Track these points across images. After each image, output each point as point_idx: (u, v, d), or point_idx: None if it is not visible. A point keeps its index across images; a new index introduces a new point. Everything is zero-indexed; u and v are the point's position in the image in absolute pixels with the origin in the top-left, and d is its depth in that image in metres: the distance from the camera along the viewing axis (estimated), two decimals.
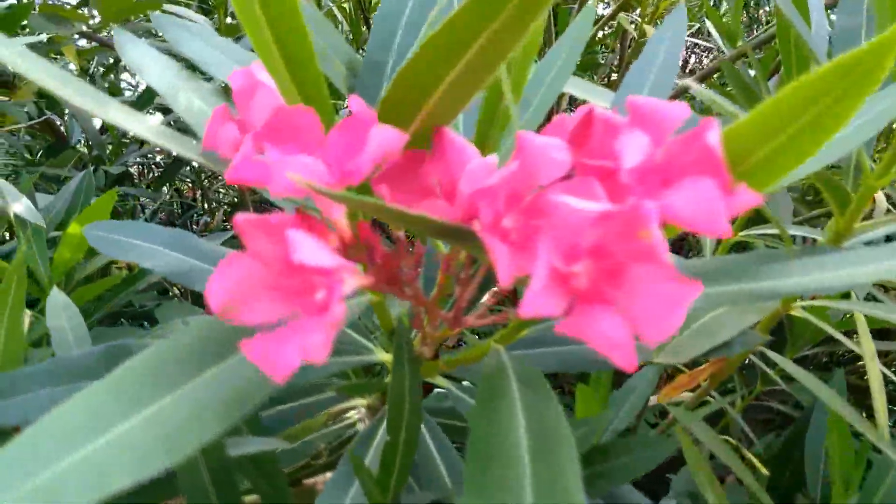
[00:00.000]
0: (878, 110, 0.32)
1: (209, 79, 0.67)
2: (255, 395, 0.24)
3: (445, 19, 0.22)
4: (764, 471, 1.10)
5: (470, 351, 0.42)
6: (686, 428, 0.69)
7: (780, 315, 0.64)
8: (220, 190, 2.61)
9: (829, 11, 1.13)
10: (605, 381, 0.81)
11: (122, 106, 0.32)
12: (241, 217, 0.23)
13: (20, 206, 0.82)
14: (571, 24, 0.44)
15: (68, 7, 1.74)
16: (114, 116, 0.31)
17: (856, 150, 0.54)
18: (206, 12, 1.96)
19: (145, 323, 1.52)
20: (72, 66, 1.71)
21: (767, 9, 2.29)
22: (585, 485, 0.26)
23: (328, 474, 0.62)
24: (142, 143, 1.76)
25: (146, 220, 2.04)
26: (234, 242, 1.07)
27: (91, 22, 1.54)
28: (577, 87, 0.53)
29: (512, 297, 0.76)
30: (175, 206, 2.45)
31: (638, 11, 1.80)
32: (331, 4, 2.20)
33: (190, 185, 2.64)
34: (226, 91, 0.46)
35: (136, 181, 2.17)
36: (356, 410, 0.61)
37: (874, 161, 0.71)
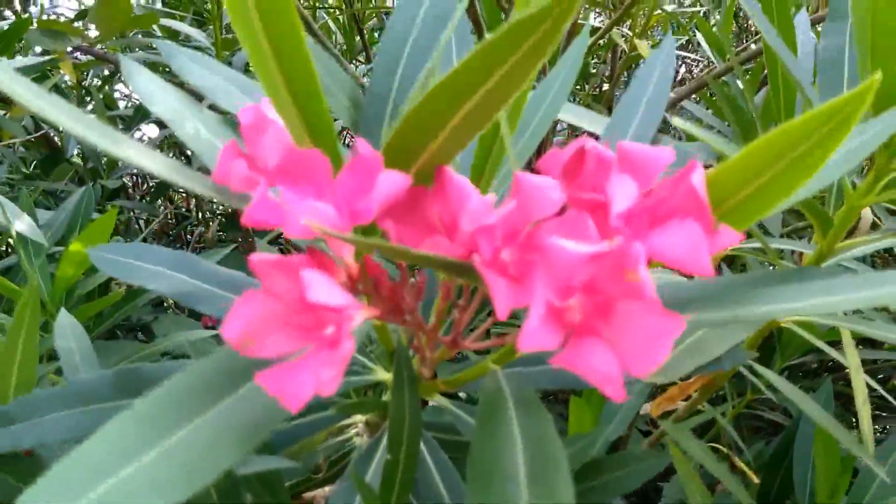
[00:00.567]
0: (853, 147, 0.34)
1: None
2: (269, 422, 0.25)
3: (450, 71, 0.24)
4: (755, 479, 1.11)
5: (468, 371, 0.43)
6: (676, 441, 0.71)
7: (769, 330, 0.66)
8: (215, 201, 2.62)
9: (815, 27, 1.15)
10: (598, 395, 0.83)
11: (136, 143, 0.33)
12: (256, 257, 0.25)
13: (22, 224, 0.83)
14: (565, 55, 0.46)
15: (64, 20, 1.76)
16: (129, 154, 0.32)
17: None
18: (200, 24, 1.98)
19: (139, 334, 1.53)
20: (67, 80, 1.72)
21: None
22: (579, 498, 0.28)
23: (327, 488, 0.63)
24: None
25: (140, 231, 2.05)
26: (231, 260, 1.08)
27: (88, 34, 1.55)
28: (571, 113, 0.54)
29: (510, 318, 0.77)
30: (168, 217, 2.46)
31: (628, 24, 1.82)
32: (326, 17, 2.22)
33: (184, 196, 2.66)
34: (229, 120, 0.48)
35: (130, 193, 2.18)
36: (354, 427, 0.62)
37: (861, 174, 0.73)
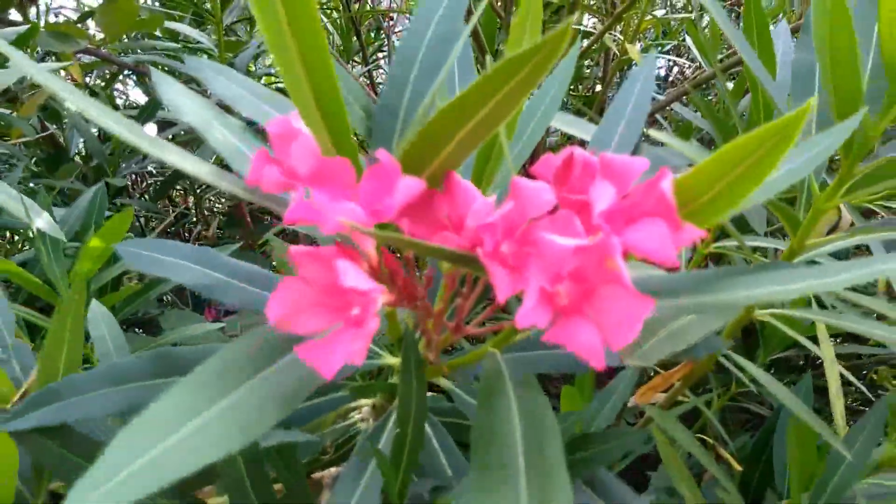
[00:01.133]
0: (813, 153, 0.38)
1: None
2: (305, 388, 0.30)
3: (456, 96, 0.28)
4: (739, 468, 1.17)
5: (470, 355, 0.48)
6: (662, 427, 0.75)
7: (745, 322, 0.71)
8: (213, 199, 2.66)
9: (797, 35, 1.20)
10: (589, 384, 0.87)
11: (177, 148, 0.38)
12: (295, 249, 0.29)
13: (42, 221, 0.87)
14: (558, 67, 0.51)
15: (70, 22, 1.79)
16: (171, 158, 0.37)
17: (807, 177, 0.61)
18: (198, 24, 2.01)
19: (137, 329, 1.57)
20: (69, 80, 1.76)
21: None
22: (568, 468, 0.32)
23: (333, 469, 0.68)
24: (145, 155, 1.81)
25: (141, 228, 2.09)
26: (235, 256, 1.12)
27: (93, 35, 1.59)
28: (562, 121, 0.59)
29: (503, 309, 0.82)
30: (171, 215, 2.50)
31: (621, 28, 1.87)
32: (324, 19, 2.27)
33: (182, 194, 2.69)
34: (249, 126, 0.52)
35: (130, 191, 2.22)
36: (358, 412, 0.67)
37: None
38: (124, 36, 1.65)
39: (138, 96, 2.46)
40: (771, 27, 0.97)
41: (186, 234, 2.43)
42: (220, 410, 0.28)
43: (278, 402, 0.30)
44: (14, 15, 1.60)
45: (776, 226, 1.36)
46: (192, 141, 1.71)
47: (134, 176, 2.46)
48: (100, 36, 1.65)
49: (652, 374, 1.23)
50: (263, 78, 2.16)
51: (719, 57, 1.83)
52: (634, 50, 1.62)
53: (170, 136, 1.85)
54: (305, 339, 0.30)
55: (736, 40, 0.58)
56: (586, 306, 0.29)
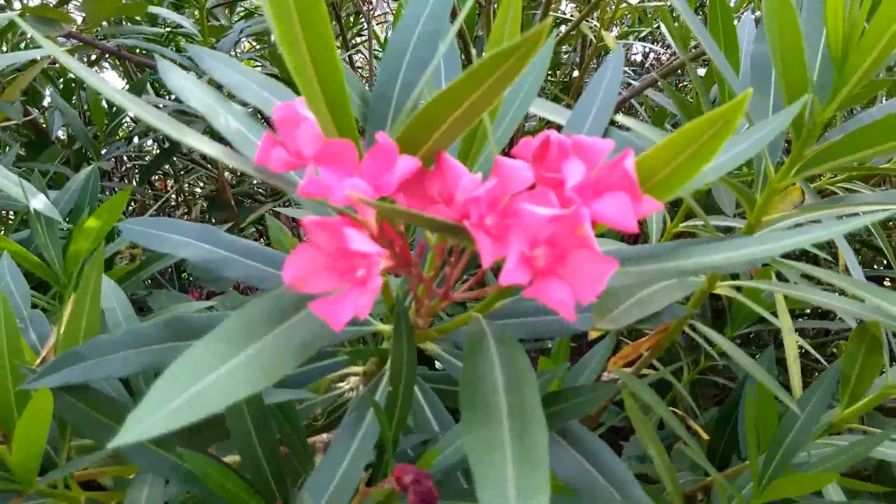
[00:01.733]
0: (754, 140, 0.43)
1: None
2: (318, 339, 0.35)
3: (446, 87, 0.33)
4: (706, 437, 1.24)
5: (455, 320, 0.53)
6: (631, 389, 0.81)
7: (707, 293, 0.76)
8: (191, 183, 2.67)
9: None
10: (563, 355, 0.93)
11: (196, 133, 0.42)
12: (308, 219, 0.34)
13: (38, 202, 0.90)
14: (534, 60, 0.55)
15: (52, 6, 1.79)
16: (190, 141, 0.41)
17: (765, 158, 0.66)
18: (177, 8, 2.02)
19: None
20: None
21: None
22: None
23: (324, 435, 0.72)
24: (130, 139, 1.82)
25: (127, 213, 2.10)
26: None
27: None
28: (540, 107, 0.64)
29: (484, 284, 0.87)
30: (146, 199, 2.51)
31: (597, 16, 1.92)
32: None
33: (162, 178, 2.71)
34: (254, 113, 0.56)
35: (111, 174, 2.23)
36: (346, 382, 0.71)
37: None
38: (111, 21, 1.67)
39: (113, 79, 2.46)
40: (740, 17, 1.02)
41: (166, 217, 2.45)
42: (247, 357, 0.33)
43: (295, 351, 0.34)
44: None
45: (741, 209, 1.43)
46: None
47: (113, 160, 2.47)
48: (80, 20, 1.66)
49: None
50: (243, 62, 2.18)
51: (693, 43, 1.89)
52: (610, 37, 1.67)
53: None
54: (316, 298, 0.35)
55: (702, 37, 0.63)
56: (560, 268, 0.34)
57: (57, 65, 1.82)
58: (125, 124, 1.95)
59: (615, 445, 1.37)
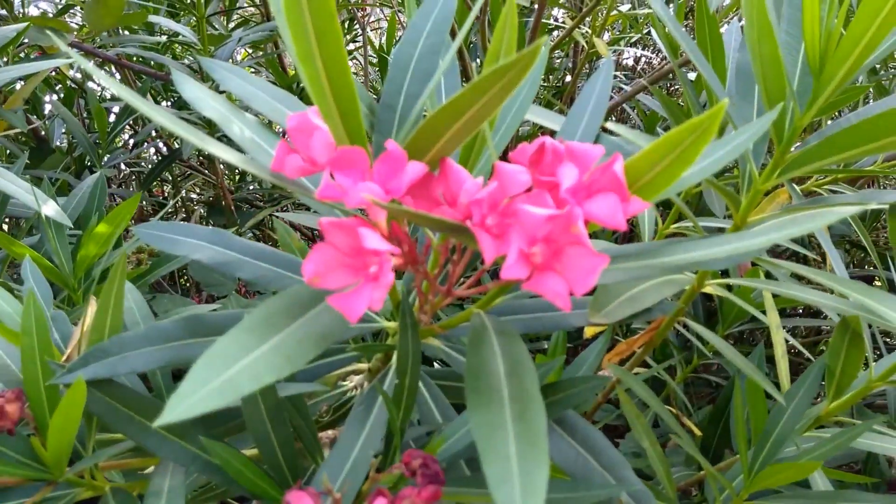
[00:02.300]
0: (733, 145, 0.47)
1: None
2: (334, 332, 0.38)
3: (448, 100, 0.36)
4: (699, 434, 1.27)
5: (457, 316, 0.56)
6: (626, 383, 0.84)
7: (697, 291, 0.80)
8: (189, 188, 2.70)
9: None
10: (560, 349, 0.96)
11: (218, 142, 0.45)
12: (324, 220, 0.37)
13: (49, 208, 0.93)
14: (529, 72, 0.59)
15: (51, 17, 1.82)
16: (212, 149, 0.44)
17: (749, 162, 0.70)
18: (173, 16, 2.05)
19: None
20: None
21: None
22: None
23: (330, 431, 0.75)
24: (133, 146, 1.85)
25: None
26: None
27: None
28: (535, 114, 0.67)
29: (480, 284, 0.90)
30: (145, 205, 2.53)
31: (588, 22, 1.96)
32: None
33: (159, 184, 2.73)
34: (266, 123, 0.59)
35: (110, 182, 2.25)
36: (349, 380, 0.74)
37: None
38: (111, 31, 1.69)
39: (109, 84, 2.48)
40: (727, 25, 1.06)
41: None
42: (271, 346, 0.36)
43: (314, 341, 0.37)
44: None
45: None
46: None
47: (112, 168, 2.50)
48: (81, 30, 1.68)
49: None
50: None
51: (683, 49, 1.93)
52: (601, 43, 1.71)
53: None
54: (332, 293, 0.38)
55: (689, 49, 0.66)
56: (556, 263, 0.37)
57: (55, 73, 1.85)
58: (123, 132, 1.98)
59: (612, 443, 1.40)
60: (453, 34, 1.29)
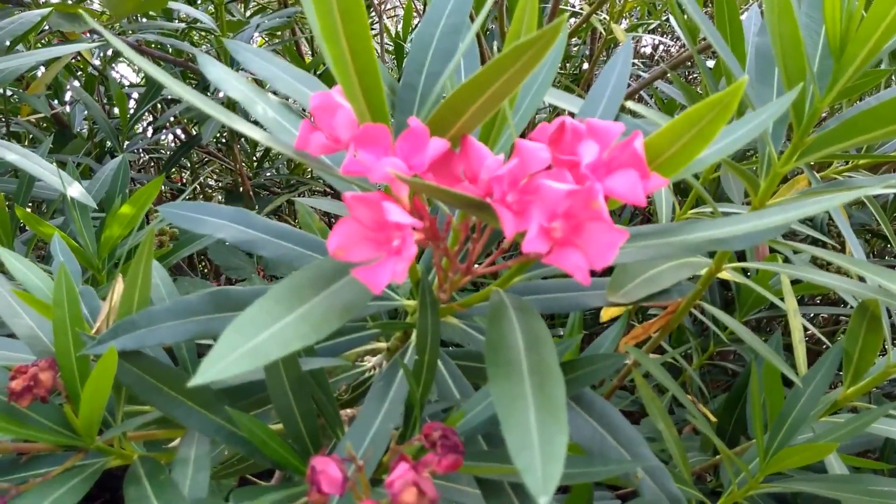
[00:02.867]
0: (751, 125, 0.47)
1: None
2: (359, 302, 0.39)
3: (471, 77, 0.37)
4: (715, 420, 1.27)
5: (476, 294, 0.57)
6: (642, 362, 0.85)
7: (714, 274, 0.80)
8: (207, 175, 2.73)
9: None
10: (578, 328, 0.97)
11: (244, 120, 0.46)
12: (349, 194, 0.38)
13: (74, 190, 0.95)
14: (547, 55, 0.59)
15: (64, 2, 1.84)
16: (239, 127, 0.45)
17: (769, 145, 0.70)
18: (189, 2, 2.07)
19: None
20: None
21: None
22: None
23: (349, 410, 0.77)
24: (154, 130, 1.87)
25: None
26: None
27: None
28: (554, 96, 0.68)
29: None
30: (164, 191, 2.55)
31: (606, 9, 1.95)
32: None
33: (177, 170, 2.76)
34: (285, 102, 0.60)
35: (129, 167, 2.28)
36: (367, 360, 0.76)
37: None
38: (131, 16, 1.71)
39: (128, 72, 2.52)
40: (748, 8, 1.05)
41: None
42: (298, 315, 0.37)
43: (338, 312, 0.38)
44: None
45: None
46: None
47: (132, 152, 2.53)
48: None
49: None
50: None
51: (702, 35, 1.91)
52: (619, 30, 1.70)
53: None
54: (355, 266, 0.39)
55: (709, 32, 0.66)
56: (575, 237, 0.38)
57: (75, 59, 1.87)
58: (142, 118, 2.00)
59: None
60: (471, 21, 1.29)
